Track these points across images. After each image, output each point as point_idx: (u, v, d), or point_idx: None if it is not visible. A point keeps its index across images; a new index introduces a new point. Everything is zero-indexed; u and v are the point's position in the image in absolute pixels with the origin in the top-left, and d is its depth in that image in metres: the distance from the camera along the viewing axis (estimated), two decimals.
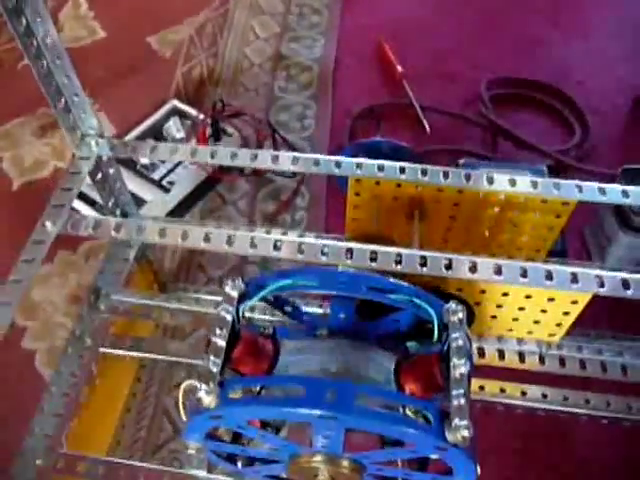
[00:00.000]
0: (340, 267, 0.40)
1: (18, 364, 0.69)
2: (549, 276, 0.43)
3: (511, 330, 0.53)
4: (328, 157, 0.51)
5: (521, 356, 0.54)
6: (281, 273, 0.38)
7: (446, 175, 0.50)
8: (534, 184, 0.49)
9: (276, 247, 0.44)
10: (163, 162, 0.83)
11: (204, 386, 0.34)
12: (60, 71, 0.48)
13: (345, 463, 0.37)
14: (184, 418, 0.38)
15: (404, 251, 0.43)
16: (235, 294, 0.39)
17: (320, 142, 0.92)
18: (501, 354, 0.54)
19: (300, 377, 0.36)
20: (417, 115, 0.92)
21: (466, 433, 0.33)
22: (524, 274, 0.42)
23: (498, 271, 0.42)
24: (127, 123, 0.89)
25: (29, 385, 0.67)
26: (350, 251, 0.44)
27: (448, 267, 0.43)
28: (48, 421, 0.50)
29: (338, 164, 0.51)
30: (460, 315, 0.37)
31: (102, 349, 0.55)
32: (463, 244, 0.59)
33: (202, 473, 0.48)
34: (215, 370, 0.35)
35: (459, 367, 0.35)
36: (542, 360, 0.54)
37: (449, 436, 0.33)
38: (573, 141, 0.88)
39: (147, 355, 0.54)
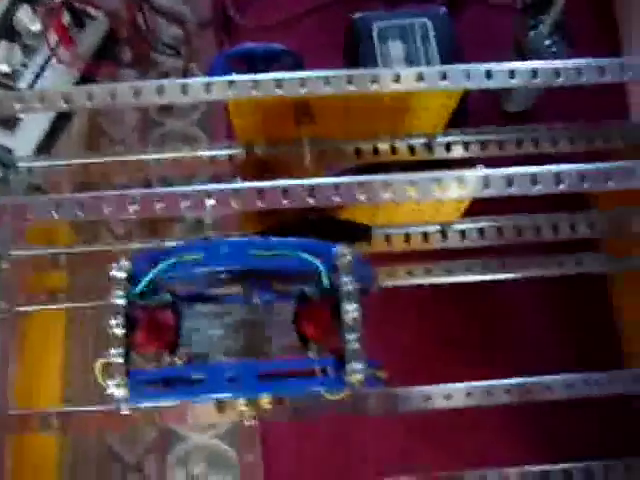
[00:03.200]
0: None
1: None
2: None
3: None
4: (196, 80, 0.46)
5: (425, 236, 0.57)
6: (166, 251, 0.37)
7: (327, 81, 0.46)
8: (419, 76, 0.46)
9: None
10: (24, 66, 0.72)
11: (112, 381, 0.36)
12: None
13: (265, 400, 0.41)
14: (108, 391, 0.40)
15: (290, 183, 0.42)
16: (123, 275, 0.38)
17: (199, 2, 0.81)
18: (407, 238, 0.57)
19: (201, 366, 0.37)
20: None
21: (361, 376, 0.36)
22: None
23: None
24: None
25: None
26: (237, 191, 0.43)
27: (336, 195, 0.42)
28: None
29: (208, 86, 0.46)
30: (349, 258, 0.38)
31: (19, 308, 0.54)
32: (361, 132, 0.57)
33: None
34: (120, 361, 0.36)
35: (350, 312, 0.37)
36: (444, 236, 0.57)
37: (347, 378, 0.36)
38: None
39: (65, 305, 0.55)
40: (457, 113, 0.56)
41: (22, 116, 0.71)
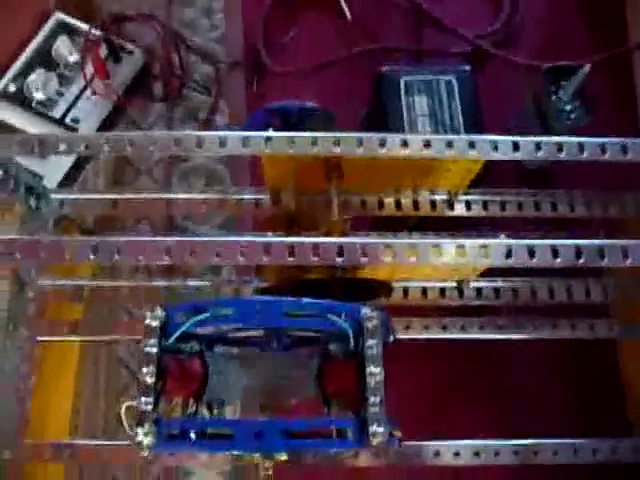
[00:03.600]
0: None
1: None
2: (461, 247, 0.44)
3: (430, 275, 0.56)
4: (235, 133, 0.48)
5: (442, 292, 0.58)
6: (201, 305, 0.39)
7: (360, 143, 0.48)
8: (448, 143, 0.48)
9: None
10: (60, 95, 0.75)
11: (140, 429, 0.37)
12: None
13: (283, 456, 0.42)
14: (129, 432, 0.41)
15: (320, 241, 0.44)
16: (156, 324, 0.39)
17: (233, 43, 0.83)
18: (424, 292, 0.58)
19: (228, 421, 0.38)
20: (337, 1, 0.83)
21: (382, 438, 0.37)
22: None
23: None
24: (10, 45, 0.77)
25: None
26: (269, 245, 0.44)
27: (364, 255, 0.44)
28: (5, 416, 0.53)
29: (246, 141, 0.47)
30: (375, 322, 0.39)
31: (40, 337, 0.55)
32: (385, 189, 0.59)
33: None
34: (149, 409, 0.38)
35: (375, 375, 0.38)
36: (461, 293, 0.58)
37: (366, 441, 0.37)
38: (500, 20, 0.83)
39: (85, 339, 0.56)
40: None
41: None
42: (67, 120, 0.74)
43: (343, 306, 0.40)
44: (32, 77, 0.74)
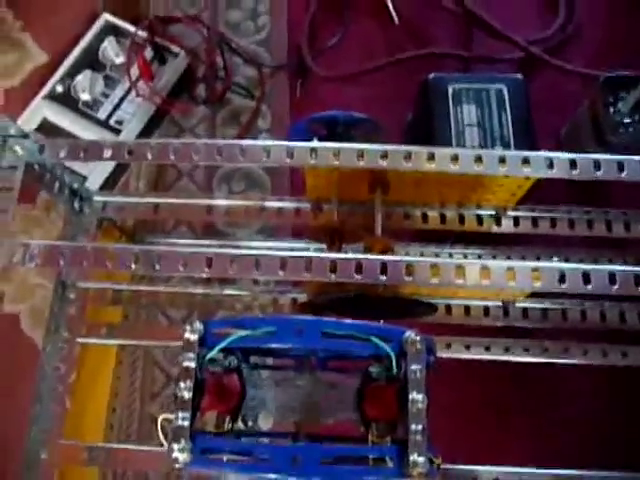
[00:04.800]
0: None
1: (3, 329, 0.71)
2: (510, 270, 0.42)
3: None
4: (279, 143, 0.47)
5: (486, 311, 0.56)
6: (240, 320, 0.38)
7: (408, 157, 0.46)
8: (502, 159, 0.46)
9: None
10: (105, 96, 0.75)
11: (176, 445, 0.36)
12: None
13: None
14: (165, 445, 0.41)
15: (363, 258, 0.42)
16: (195, 338, 0.39)
17: (277, 46, 0.83)
18: (467, 311, 0.56)
19: (266, 447, 0.38)
20: (385, 3, 0.82)
21: (422, 469, 0.35)
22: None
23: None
24: (58, 45, 0.79)
25: (19, 348, 0.70)
26: (310, 261, 0.43)
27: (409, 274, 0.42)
28: (43, 416, 0.53)
29: (290, 152, 0.46)
30: (418, 346, 0.38)
31: (79, 339, 0.56)
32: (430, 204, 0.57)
33: None
34: (186, 425, 0.37)
35: (417, 402, 0.37)
36: (506, 313, 0.56)
37: (406, 470, 0.36)
38: (555, 25, 0.80)
39: (124, 342, 0.56)
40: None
41: None
42: (111, 122, 0.74)
43: (386, 328, 0.38)
44: (79, 78, 0.75)
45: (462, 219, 0.59)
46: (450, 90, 0.68)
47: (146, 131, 0.76)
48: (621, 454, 0.59)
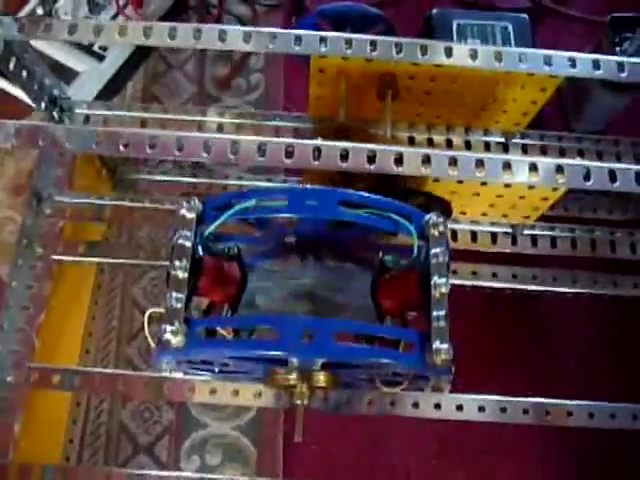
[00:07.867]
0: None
1: None
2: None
3: (485, 215, 0.51)
4: (286, 31, 0.43)
5: (494, 237, 0.53)
6: (243, 194, 0.34)
7: (424, 50, 0.43)
8: (522, 57, 0.43)
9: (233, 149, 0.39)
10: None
11: (169, 327, 0.32)
12: None
13: (322, 377, 0.37)
14: (152, 345, 0.36)
15: (378, 147, 0.39)
16: (192, 216, 0.35)
17: None
18: (474, 236, 0.53)
19: (273, 318, 0.33)
20: None
21: (446, 356, 0.32)
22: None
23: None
24: None
25: None
26: (318, 150, 0.39)
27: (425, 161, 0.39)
28: (11, 337, 0.48)
29: (298, 39, 0.43)
30: (441, 228, 0.35)
31: (54, 256, 0.51)
32: (436, 120, 0.54)
33: (179, 375, 0.48)
34: (179, 306, 0.33)
35: (440, 286, 0.33)
36: (514, 240, 0.53)
37: (429, 359, 0.32)
38: None
39: (103, 260, 0.51)
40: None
41: (80, 72, 0.69)
42: (95, 48, 0.70)
43: (406, 208, 0.35)
44: (61, 1, 0.71)
45: (469, 145, 0.56)
46: (455, 25, 0.66)
47: (131, 60, 0.71)
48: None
